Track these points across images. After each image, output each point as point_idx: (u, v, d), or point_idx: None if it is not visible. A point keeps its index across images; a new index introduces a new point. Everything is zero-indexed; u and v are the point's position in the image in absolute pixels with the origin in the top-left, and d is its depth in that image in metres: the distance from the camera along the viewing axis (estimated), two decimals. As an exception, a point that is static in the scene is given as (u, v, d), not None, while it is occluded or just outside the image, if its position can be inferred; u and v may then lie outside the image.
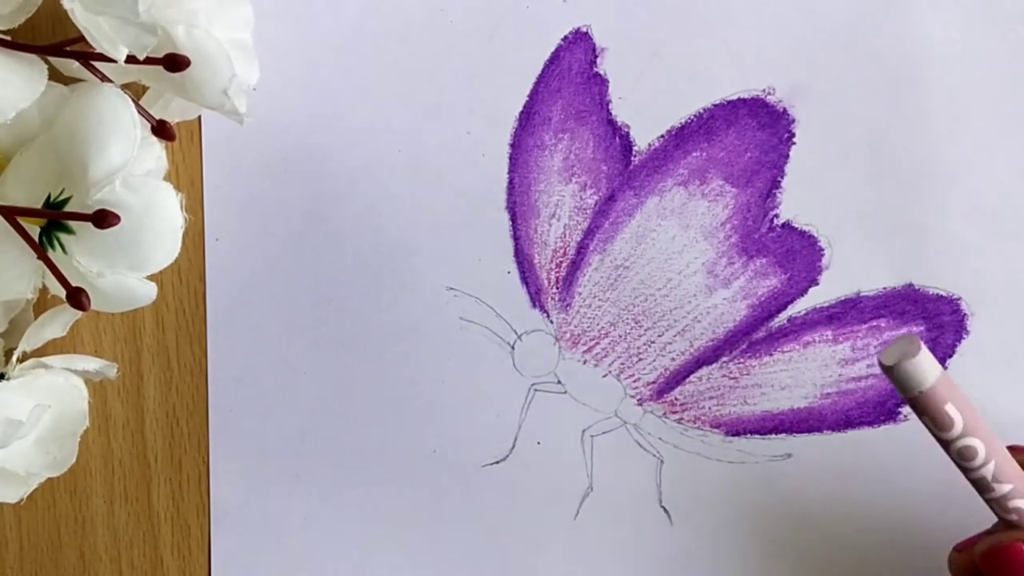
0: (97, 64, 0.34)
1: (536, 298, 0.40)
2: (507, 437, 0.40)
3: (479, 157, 0.40)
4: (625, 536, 0.39)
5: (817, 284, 0.39)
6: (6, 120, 0.32)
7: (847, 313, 0.39)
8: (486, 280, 0.40)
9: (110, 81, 0.34)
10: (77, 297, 0.32)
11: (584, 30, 0.39)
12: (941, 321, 0.39)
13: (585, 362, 0.40)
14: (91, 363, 0.36)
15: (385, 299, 0.40)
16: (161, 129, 0.34)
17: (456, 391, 0.40)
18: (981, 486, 0.32)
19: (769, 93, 0.39)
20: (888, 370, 0.31)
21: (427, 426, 0.40)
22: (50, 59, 0.34)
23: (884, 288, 0.39)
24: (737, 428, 0.39)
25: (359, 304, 0.40)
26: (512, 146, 0.40)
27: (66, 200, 0.32)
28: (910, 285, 0.39)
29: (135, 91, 0.36)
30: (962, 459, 0.32)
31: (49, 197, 0.33)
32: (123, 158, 0.32)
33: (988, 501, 0.33)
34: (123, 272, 0.32)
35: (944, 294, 0.39)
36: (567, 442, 0.40)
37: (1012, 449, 0.32)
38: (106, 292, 0.32)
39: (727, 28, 0.39)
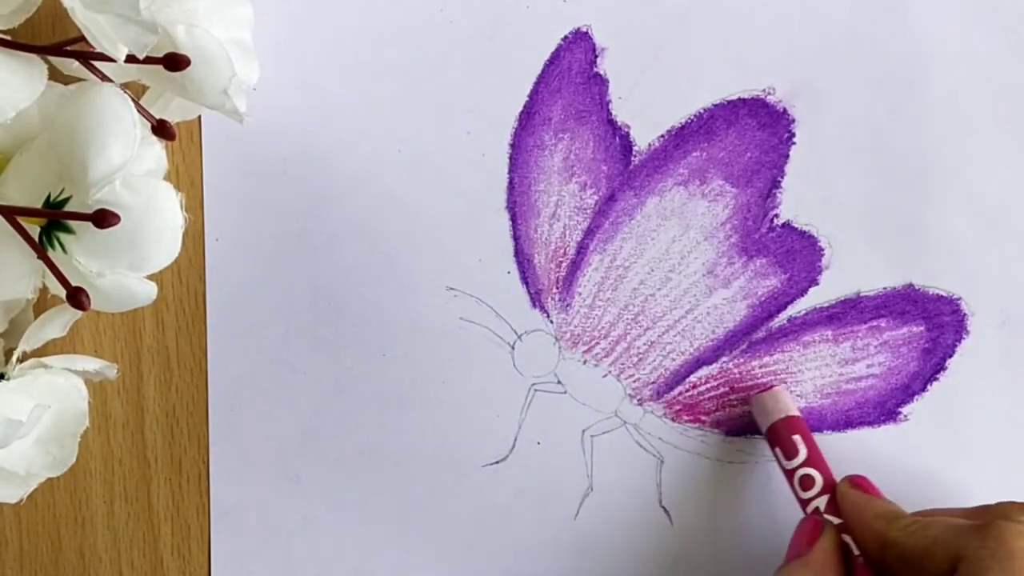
0: (97, 64, 0.34)
1: (536, 298, 0.40)
2: (507, 437, 0.40)
3: (479, 157, 0.40)
4: (625, 536, 0.39)
5: (817, 284, 0.39)
6: (6, 120, 0.32)
7: (847, 313, 0.39)
8: (486, 280, 0.40)
9: (110, 81, 0.34)
10: (77, 297, 0.31)
11: (584, 30, 0.39)
12: (941, 321, 0.39)
13: (585, 362, 0.40)
14: (91, 363, 0.36)
15: (385, 299, 0.40)
16: (161, 129, 0.34)
17: (456, 391, 0.40)
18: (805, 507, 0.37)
19: (769, 93, 0.39)
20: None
21: (427, 426, 0.40)
22: (50, 59, 0.34)
23: (884, 288, 0.39)
24: (737, 428, 0.39)
25: (359, 304, 0.40)
26: (512, 146, 0.39)
27: (66, 200, 0.32)
28: (910, 285, 0.39)
29: (135, 91, 0.36)
30: (803, 488, 0.37)
31: (49, 197, 0.33)
32: (123, 158, 0.32)
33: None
34: (123, 272, 0.32)
35: (944, 294, 0.39)
36: (567, 442, 0.40)
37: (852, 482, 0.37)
38: (106, 292, 0.32)
39: (727, 28, 0.39)
